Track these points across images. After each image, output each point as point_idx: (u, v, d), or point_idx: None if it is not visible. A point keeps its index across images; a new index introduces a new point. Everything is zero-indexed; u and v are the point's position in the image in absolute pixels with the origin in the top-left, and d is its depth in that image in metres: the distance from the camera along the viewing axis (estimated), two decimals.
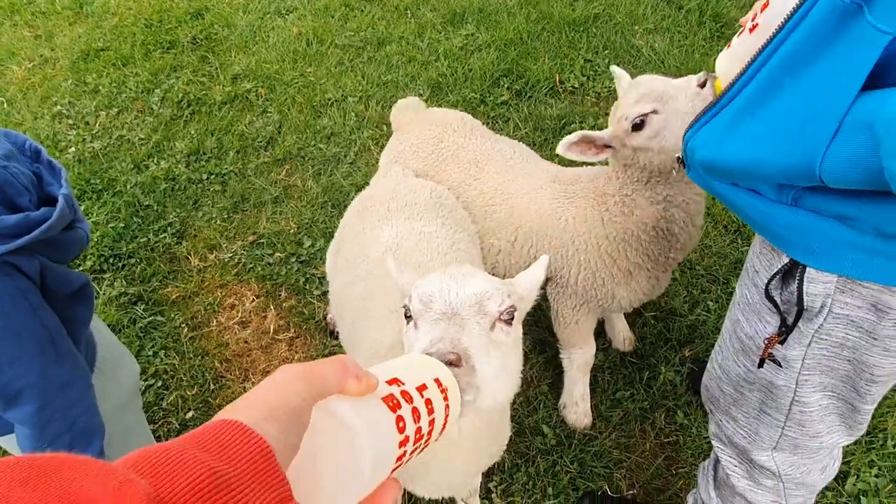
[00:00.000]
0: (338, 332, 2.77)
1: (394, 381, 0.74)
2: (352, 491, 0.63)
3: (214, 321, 2.86)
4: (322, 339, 2.76)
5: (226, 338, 2.80)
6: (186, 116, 3.81)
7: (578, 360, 2.30)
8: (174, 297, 2.95)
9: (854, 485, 2.20)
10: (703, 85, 1.75)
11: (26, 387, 1.26)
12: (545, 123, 3.65)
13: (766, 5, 1.29)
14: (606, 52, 4.12)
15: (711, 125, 1.13)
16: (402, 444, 0.69)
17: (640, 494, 2.28)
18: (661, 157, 1.82)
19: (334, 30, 4.39)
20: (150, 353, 2.76)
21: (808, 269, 1.10)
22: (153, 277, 3.02)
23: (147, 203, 3.32)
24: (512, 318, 1.14)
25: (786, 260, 1.14)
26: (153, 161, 3.55)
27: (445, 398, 0.80)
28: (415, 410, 0.72)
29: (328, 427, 0.64)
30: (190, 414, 2.56)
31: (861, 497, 2.18)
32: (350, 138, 3.62)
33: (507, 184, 2.13)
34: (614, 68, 2.05)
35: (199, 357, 2.73)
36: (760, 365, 1.25)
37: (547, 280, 2.24)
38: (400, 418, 0.69)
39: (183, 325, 2.84)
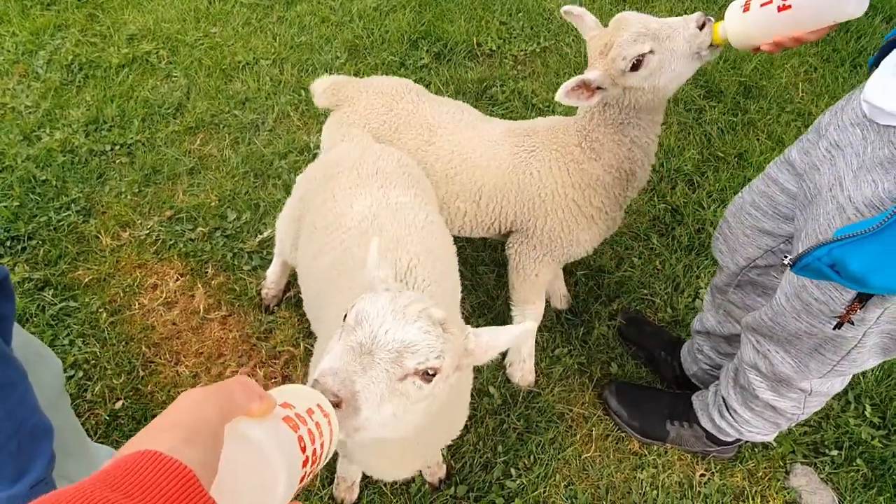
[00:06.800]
0: (275, 308, 2.69)
1: (286, 405, 0.76)
2: None
3: (136, 304, 2.68)
4: (256, 315, 2.65)
5: (151, 320, 2.63)
6: (79, 81, 3.46)
7: (531, 316, 2.36)
8: (87, 280, 2.72)
9: None
10: (701, 27, 1.70)
11: None
12: (466, 87, 3.65)
13: None
14: (520, 14, 4.14)
15: (870, 243, 1.15)
16: (304, 463, 0.72)
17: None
18: (650, 97, 1.82)
19: None
20: (66, 342, 2.55)
21: None
22: (60, 260, 2.77)
23: (44, 178, 3.01)
24: (433, 376, 1.07)
25: None
26: (45, 131, 3.21)
27: (329, 423, 0.83)
28: (310, 432, 0.75)
29: (242, 449, 0.65)
30: (119, 403, 2.40)
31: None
32: (266, 104, 3.44)
33: (463, 145, 2.11)
34: (569, 7, 1.93)
35: (123, 343, 2.56)
36: (837, 327, 1.33)
37: (509, 233, 2.26)
38: (300, 438, 0.72)
39: (100, 310, 2.64)
